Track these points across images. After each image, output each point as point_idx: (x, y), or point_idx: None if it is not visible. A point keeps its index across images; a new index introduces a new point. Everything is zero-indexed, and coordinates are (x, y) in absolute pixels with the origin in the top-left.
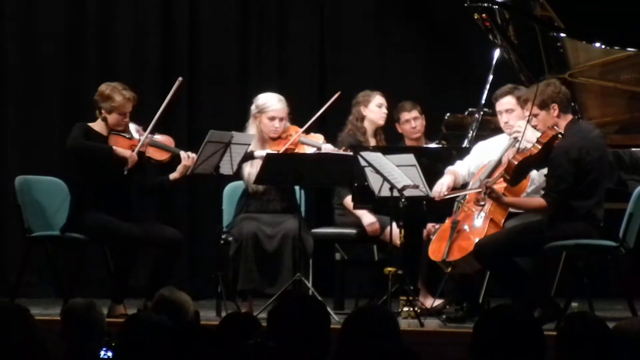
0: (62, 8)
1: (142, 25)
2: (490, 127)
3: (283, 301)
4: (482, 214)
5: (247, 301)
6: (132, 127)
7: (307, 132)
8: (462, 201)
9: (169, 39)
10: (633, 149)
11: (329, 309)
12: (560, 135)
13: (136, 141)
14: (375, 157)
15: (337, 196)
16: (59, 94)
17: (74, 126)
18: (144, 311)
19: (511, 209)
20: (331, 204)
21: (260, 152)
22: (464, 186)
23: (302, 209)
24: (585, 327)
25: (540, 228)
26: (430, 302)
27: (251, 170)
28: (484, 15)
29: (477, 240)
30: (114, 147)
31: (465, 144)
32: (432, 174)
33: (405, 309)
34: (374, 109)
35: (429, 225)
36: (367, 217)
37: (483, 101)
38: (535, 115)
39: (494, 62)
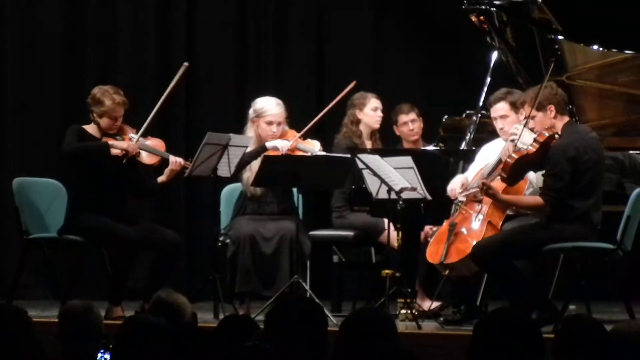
0: (61, 10)
1: (140, 27)
2: (488, 130)
3: (280, 303)
4: (480, 216)
5: (245, 303)
6: (127, 130)
7: (304, 137)
8: (460, 204)
9: (166, 40)
10: (631, 152)
11: (326, 311)
12: (557, 136)
13: (127, 147)
14: (373, 160)
15: (335, 198)
16: (57, 96)
17: (67, 129)
18: (141, 313)
19: (509, 212)
20: (329, 206)
21: (272, 143)
22: None
23: (300, 211)
24: (583, 330)
25: (538, 230)
26: (428, 304)
27: (249, 174)
28: (481, 17)
29: (474, 242)
30: (110, 142)
31: (463, 146)
32: (429, 177)
33: (403, 311)
34: (369, 113)
35: (427, 228)
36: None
37: (481, 103)
38: (533, 117)
39: (492, 64)
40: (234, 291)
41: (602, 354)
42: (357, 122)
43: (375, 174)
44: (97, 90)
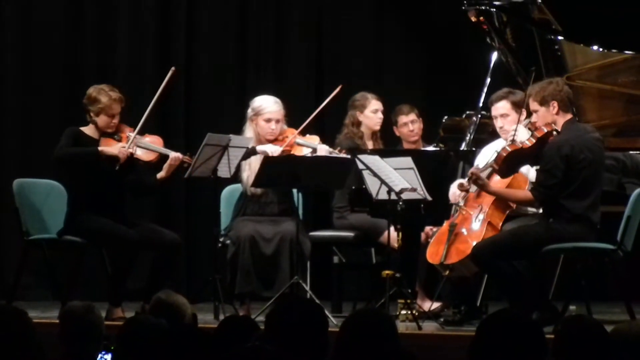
0: (60, 11)
1: (140, 26)
2: (488, 130)
3: (281, 304)
4: (480, 216)
5: (245, 304)
6: (124, 129)
7: (303, 133)
8: (460, 204)
9: (166, 40)
10: (631, 152)
11: (326, 312)
12: (555, 132)
13: (124, 146)
14: (373, 160)
15: (336, 199)
16: (57, 96)
17: (63, 132)
18: (141, 314)
19: (509, 212)
20: (330, 206)
21: (262, 147)
22: None
23: (300, 211)
24: (583, 330)
25: (538, 231)
26: (428, 305)
27: (249, 173)
28: (481, 17)
29: (474, 243)
30: (100, 148)
31: (463, 147)
32: (430, 177)
33: (403, 311)
34: (369, 115)
35: (427, 228)
36: None
37: (481, 104)
38: (535, 111)
39: (492, 65)
40: (234, 292)
41: (603, 355)
42: (358, 123)
43: (375, 174)
44: (92, 90)
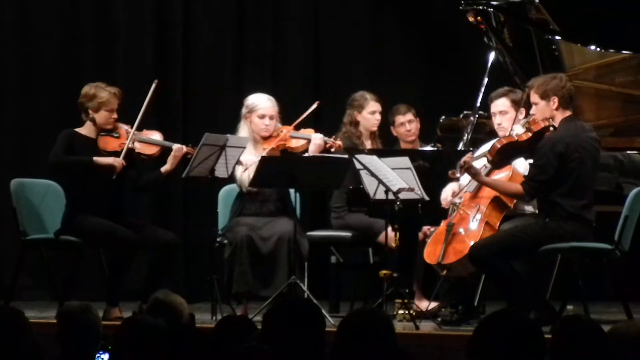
0: (57, 11)
1: (138, 25)
2: (485, 130)
3: (278, 304)
4: (478, 216)
5: (243, 304)
6: (122, 127)
7: (298, 129)
8: (458, 204)
9: (164, 39)
10: (628, 152)
11: (324, 312)
12: (552, 128)
13: (125, 140)
14: (371, 160)
15: (334, 199)
16: (54, 97)
17: (58, 135)
18: (139, 314)
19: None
20: (327, 206)
21: (246, 157)
22: None
23: (297, 211)
24: (580, 330)
25: (535, 231)
26: (426, 304)
27: (243, 171)
28: (479, 17)
29: (472, 243)
30: (95, 159)
31: (461, 146)
32: (427, 177)
33: (401, 311)
34: (367, 116)
35: (424, 228)
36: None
37: (478, 104)
38: (535, 104)
39: (489, 64)
40: (231, 292)
41: (600, 355)
42: (356, 123)
43: (372, 174)
44: (88, 87)
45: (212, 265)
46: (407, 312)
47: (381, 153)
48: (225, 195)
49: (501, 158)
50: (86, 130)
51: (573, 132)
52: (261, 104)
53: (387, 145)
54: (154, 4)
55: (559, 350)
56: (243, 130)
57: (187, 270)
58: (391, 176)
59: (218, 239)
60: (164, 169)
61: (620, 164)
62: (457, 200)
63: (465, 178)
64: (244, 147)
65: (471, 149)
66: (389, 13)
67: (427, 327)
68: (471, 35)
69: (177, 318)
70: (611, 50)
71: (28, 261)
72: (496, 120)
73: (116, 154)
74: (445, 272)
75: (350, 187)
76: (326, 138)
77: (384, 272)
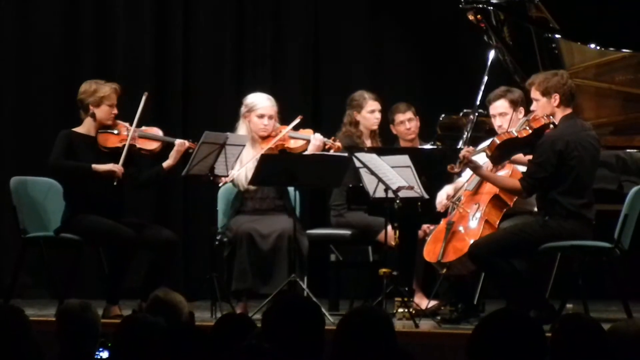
0: (58, 11)
1: (137, 26)
2: (485, 129)
3: (278, 302)
4: (478, 214)
5: (242, 302)
6: (121, 123)
7: (297, 129)
8: (457, 202)
9: (163, 40)
10: (629, 150)
11: (323, 310)
12: (552, 126)
13: (125, 136)
14: (370, 158)
15: (334, 197)
16: (54, 95)
17: (57, 136)
18: (138, 312)
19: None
20: (327, 205)
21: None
22: None
23: (297, 210)
24: (580, 329)
25: (535, 229)
26: (425, 303)
27: (240, 170)
28: (478, 16)
29: (472, 241)
30: (94, 166)
31: (460, 145)
32: (426, 175)
33: (400, 310)
34: (366, 116)
35: (424, 227)
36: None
37: (478, 102)
38: (536, 100)
39: (489, 63)
40: (230, 289)
41: (600, 353)
42: (356, 122)
43: (372, 172)
44: (87, 84)
45: (212, 264)
46: (406, 310)
47: (381, 151)
48: (225, 194)
49: (500, 154)
50: (85, 128)
51: (573, 131)
52: (260, 103)
53: (386, 143)
54: (154, 4)
55: (558, 349)
56: (242, 129)
57: (187, 268)
58: (391, 174)
59: (218, 237)
60: (165, 164)
61: (622, 163)
62: (459, 194)
63: (463, 177)
64: (244, 145)
65: (468, 144)
66: (388, 12)
67: (426, 325)
68: (471, 34)
69: (176, 316)
70: (611, 49)
71: (28, 259)
72: (496, 122)
73: (116, 150)
74: (445, 270)
75: (350, 185)
76: (325, 139)
77: (384, 270)
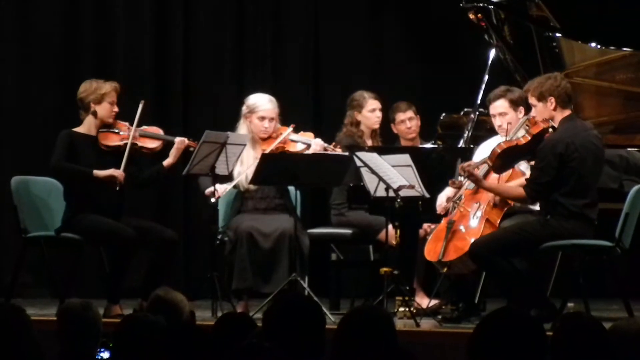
0: (58, 11)
1: (137, 25)
2: (485, 127)
3: (279, 301)
4: (478, 213)
5: (243, 301)
6: (122, 123)
7: (297, 131)
8: (458, 202)
9: (163, 40)
10: (630, 149)
11: (324, 309)
12: (551, 129)
13: (126, 135)
14: (371, 158)
15: (334, 196)
16: (54, 95)
17: (58, 136)
18: (139, 311)
19: (504, 205)
20: (327, 204)
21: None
22: None
23: (298, 209)
24: (581, 328)
25: (536, 228)
26: (426, 302)
27: (240, 168)
28: (479, 15)
29: (472, 240)
30: (95, 172)
31: (461, 144)
32: (427, 175)
33: (401, 309)
34: (367, 115)
35: (425, 226)
36: None
37: (478, 101)
38: (534, 106)
39: (490, 62)
40: (231, 288)
41: (601, 352)
42: (357, 123)
43: (373, 171)
44: (87, 83)
45: (213, 263)
46: (407, 309)
47: (381, 150)
48: (226, 193)
49: (502, 163)
50: (85, 128)
51: (573, 132)
52: (262, 105)
53: (387, 143)
54: (154, 4)
55: (559, 348)
56: (242, 129)
57: (188, 267)
58: (392, 173)
59: (218, 236)
60: (166, 162)
61: (625, 162)
62: (460, 193)
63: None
64: (245, 145)
65: (471, 145)
66: (388, 11)
67: (427, 324)
68: (471, 33)
69: (177, 315)
70: (612, 48)
71: (29, 259)
72: (496, 122)
73: (117, 148)
74: (445, 269)
75: (351, 185)
76: (326, 144)
77: (385, 269)
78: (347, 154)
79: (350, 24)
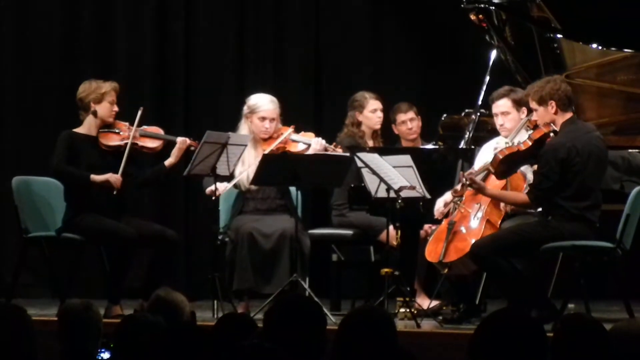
0: (58, 11)
1: (138, 25)
2: (487, 128)
3: (279, 302)
4: (479, 214)
5: (244, 302)
6: (122, 123)
7: (298, 132)
8: (459, 202)
9: (163, 40)
10: (631, 151)
11: (325, 310)
12: (552, 134)
13: (127, 135)
14: (372, 158)
15: (335, 196)
16: (54, 95)
17: (58, 137)
18: (140, 312)
19: (507, 210)
20: (328, 204)
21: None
22: None
23: (299, 209)
24: (582, 329)
25: (537, 229)
26: (427, 303)
27: (242, 168)
28: (480, 16)
29: (473, 241)
30: (92, 177)
31: (462, 145)
32: (428, 175)
33: (402, 310)
34: (368, 115)
35: (426, 226)
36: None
37: (480, 102)
38: (535, 110)
39: (491, 63)
40: (232, 289)
41: (601, 353)
42: (358, 123)
43: (374, 172)
44: (86, 83)
45: (214, 263)
46: (408, 310)
47: (382, 151)
48: (227, 193)
49: (505, 169)
50: (85, 128)
51: (574, 136)
52: (263, 106)
53: (388, 143)
54: (154, 4)
55: (560, 349)
56: (243, 129)
57: (189, 268)
58: (392, 174)
59: (219, 237)
60: (167, 162)
61: (627, 163)
62: (457, 199)
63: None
64: (246, 145)
65: (472, 146)
66: (389, 12)
67: (428, 325)
68: (473, 34)
69: (178, 316)
70: (613, 49)
71: (29, 259)
72: (498, 121)
73: (118, 148)
74: (446, 270)
75: (352, 185)
76: (327, 144)
77: (385, 270)
78: (348, 154)
79: (351, 25)
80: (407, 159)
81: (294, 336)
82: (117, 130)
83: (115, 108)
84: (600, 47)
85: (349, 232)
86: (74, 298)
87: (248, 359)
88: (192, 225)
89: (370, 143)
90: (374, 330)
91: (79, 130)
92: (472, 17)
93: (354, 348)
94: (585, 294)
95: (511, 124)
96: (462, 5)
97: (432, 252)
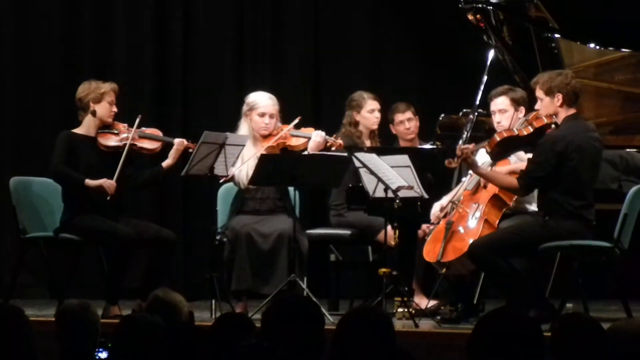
0: (57, 11)
1: (137, 25)
2: (484, 128)
3: (277, 302)
4: (477, 214)
5: (242, 302)
6: (121, 124)
7: (298, 128)
8: (457, 202)
9: (163, 40)
10: (628, 150)
11: (323, 310)
12: (554, 125)
13: (125, 137)
14: (370, 158)
15: (333, 196)
16: (54, 96)
17: (57, 138)
18: (138, 312)
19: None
20: (326, 204)
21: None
22: None
23: (297, 209)
24: (580, 328)
25: (535, 229)
26: (425, 303)
27: (241, 167)
28: (478, 15)
29: (471, 241)
30: (86, 181)
31: (460, 145)
32: (426, 175)
33: (400, 309)
34: (366, 115)
35: (424, 226)
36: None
37: (477, 102)
38: (540, 99)
39: (489, 63)
40: (230, 289)
41: (599, 353)
42: (356, 123)
43: (372, 172)
44: (85, 84)
45: (212, 263)
46: (406, 310)
47: (380, 151)
48: (225, 193)
49: (500, 151)
50: (84, 129)
51: (574, 131)
52: (261, 102)
53: (386, 143)
54: (154, 3)
55: (558, 348)
56: (243, 128)
57: (187, 268)
58: (390, 174)
59: (217, 237)
60: (165, 163)
61: (625, 163)
62: (458, 195)
63: (459, 186)
64: (244, 145)
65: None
66: (388, 12)
67: (426, 325)
68: (470, 34)
69: (176, 316)
70: (610, 48)
71: (28, 259)
72: (495, 118)
73: (116, 149)
74: (444, 270)
75: (350, 185)
76: (327, 137)
77: (383, 270)
78: (346, 154)
79: (350, 25)
80: (404, 159)
81: (292, 336)
82: (115, 131)
83: (114, 109)
84: (598, 47)
85: (347, 232)
86: (72, 298)
87: (246, 359)
88: (190, 226)
89: (368, 143)
90: (372, 330)
91: (78, 130)
92: (470, 17)
93: (352, 348)
94: (584, 294)
95: (508, 122)
96: (460, 5)
97: (430, 252)
